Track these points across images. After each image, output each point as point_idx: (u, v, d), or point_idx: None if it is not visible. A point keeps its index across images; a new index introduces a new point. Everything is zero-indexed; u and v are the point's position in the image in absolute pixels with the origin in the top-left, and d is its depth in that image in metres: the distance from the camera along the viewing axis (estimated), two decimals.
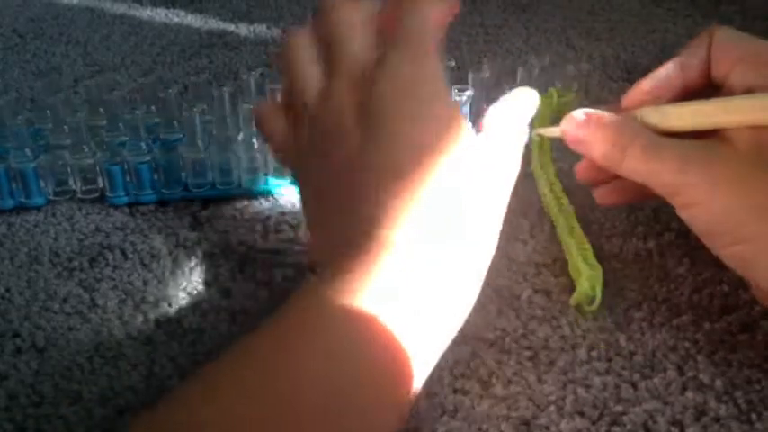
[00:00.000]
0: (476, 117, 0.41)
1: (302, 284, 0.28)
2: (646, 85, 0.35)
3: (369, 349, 0.26)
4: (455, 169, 0.30)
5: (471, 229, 0.30)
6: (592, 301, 0.35)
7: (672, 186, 0.32)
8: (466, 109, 0.47)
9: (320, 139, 0.32)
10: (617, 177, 0.35)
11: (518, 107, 0.34)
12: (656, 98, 0.35)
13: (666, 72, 0.35)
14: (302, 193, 0.35)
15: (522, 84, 0.47)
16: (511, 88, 0.43)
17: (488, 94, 0.48)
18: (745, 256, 0.31)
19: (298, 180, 0.35)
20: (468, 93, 0.44)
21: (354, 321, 0.26)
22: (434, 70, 0.31)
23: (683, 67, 0.35)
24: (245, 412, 0.23)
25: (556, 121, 0.38)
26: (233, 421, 0.23)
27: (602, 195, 0.38)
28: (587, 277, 0.35)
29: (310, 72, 0.33)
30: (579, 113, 0.34)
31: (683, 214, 0.32)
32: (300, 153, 0.33)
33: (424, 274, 0.28)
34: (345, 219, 0.30)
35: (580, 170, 0.37)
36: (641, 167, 0.32)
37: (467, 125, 0.31)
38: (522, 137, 0.33)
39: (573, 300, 0.36)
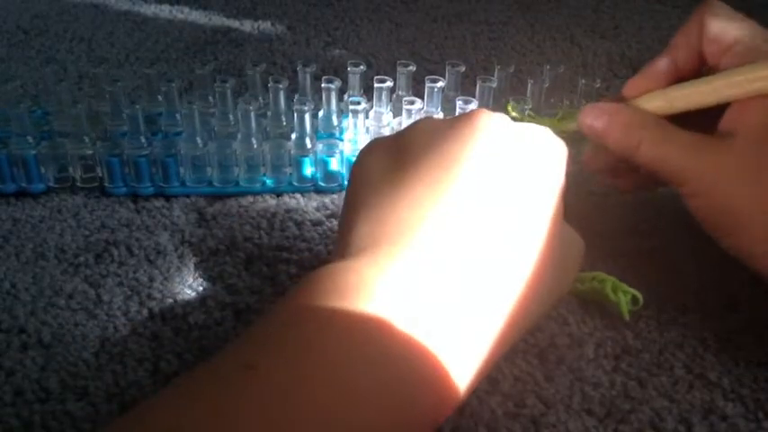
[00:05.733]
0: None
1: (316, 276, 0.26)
2: (640, 81, 0.37)
3: (400, 358, 0.24)
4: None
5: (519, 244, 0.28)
6: (634, 300, 0.35)
7: (681, 173, 0.33)
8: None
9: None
10: (623, 166, 0.38)
11: None
12: (652, 89, 0.36)
13: (659, 67, 0.37)
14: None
15: (533, 96, 0.47)
16: (516, 101, 0.43)
17: (494, 102, 0.47)
18: (742, 244, 0.32)
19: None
20: (473, 105, 0.43)
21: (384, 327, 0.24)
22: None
23: (676, 59, 0.36)
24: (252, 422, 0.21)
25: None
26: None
27: (620, 184, 0.40)
28: (611, 289, 0.34)
29: None
30: (595, 106, 0.36)
31: (689, 203, 0.34)
32: None
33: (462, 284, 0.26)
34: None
35: (587, 159, 0.39)
36: (654, 153, 0.34)
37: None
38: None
39: (627, 316, 0.34)
